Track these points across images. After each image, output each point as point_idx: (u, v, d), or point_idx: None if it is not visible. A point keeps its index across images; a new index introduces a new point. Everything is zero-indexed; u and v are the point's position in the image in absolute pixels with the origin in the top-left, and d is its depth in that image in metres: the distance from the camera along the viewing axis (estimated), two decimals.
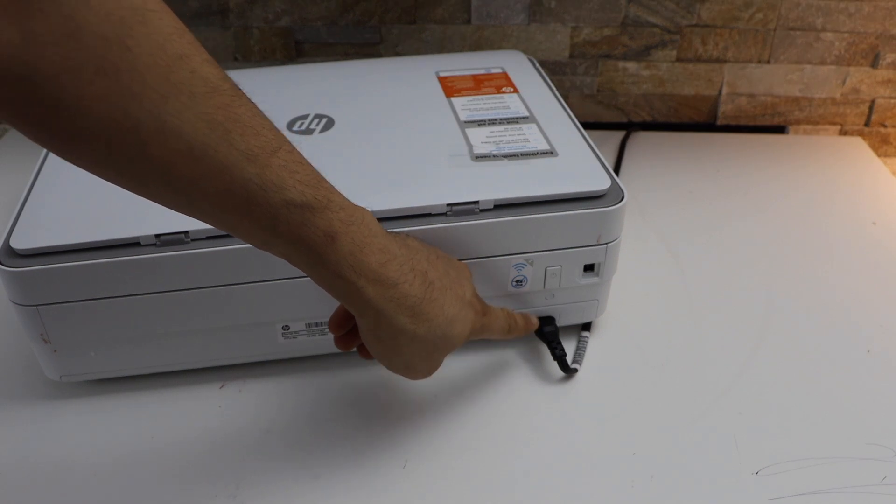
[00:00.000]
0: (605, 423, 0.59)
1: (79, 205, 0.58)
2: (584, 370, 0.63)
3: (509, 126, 0.65)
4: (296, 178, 0.41)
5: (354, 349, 0.54)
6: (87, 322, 0.57)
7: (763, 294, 0.71)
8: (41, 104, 0.34)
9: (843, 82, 0.94)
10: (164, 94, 0.36)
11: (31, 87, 0.33)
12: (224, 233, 0.55)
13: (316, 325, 0.61)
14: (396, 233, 0.50)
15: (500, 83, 0.72)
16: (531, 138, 0.64)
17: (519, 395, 0.62)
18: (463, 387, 0.62)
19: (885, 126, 0.97)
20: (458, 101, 0.69)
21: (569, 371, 0.62)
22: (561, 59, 0.94)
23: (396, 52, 0.94)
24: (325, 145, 0.63)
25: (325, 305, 0.59)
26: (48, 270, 0.54)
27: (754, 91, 0.95)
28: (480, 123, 0.66)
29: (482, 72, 0.75)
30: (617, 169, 0.89)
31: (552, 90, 0.72)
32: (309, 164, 0.42)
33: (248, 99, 0.40)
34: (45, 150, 0.65)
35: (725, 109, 0.97)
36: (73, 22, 0.33)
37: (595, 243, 0.60)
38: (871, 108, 0.96)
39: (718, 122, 0.98)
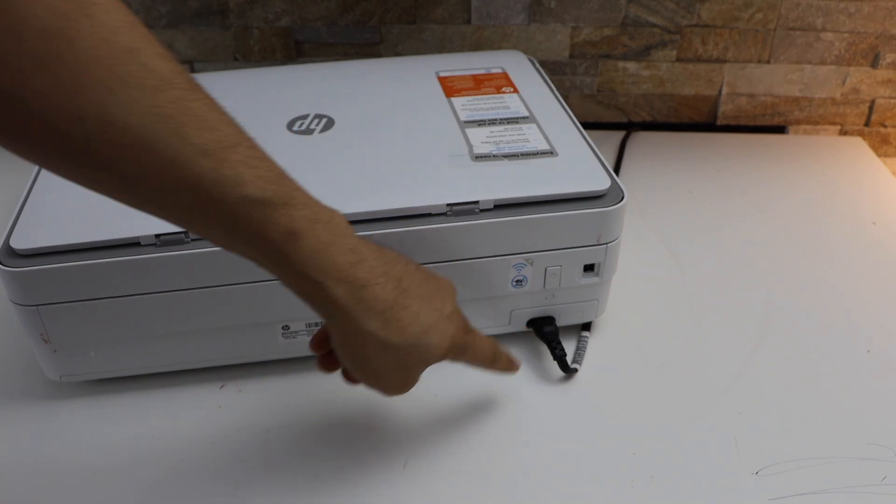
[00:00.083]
0: (605, 423, 0.59)
1: (79, 205, 0.58)
2: (584, 370, 0.63)
3: (509, 126, 0.65)
4: (255, 174, 0.40)
5: (339, 372, 0.52)
6: (87, 322, 0.57)
7: (763, 294, 0.71)
8: None
9: (843, 82, 0.94)
10: (110, 86, 0.35)
11: None
12: None
13: (316, 325, 0.61)
14: (380, 243, 0.48)
15: (500, 83, 0.72)
16: (531, 138, 0.64)
17: (519, 395, 0.62)
18: (463, 387, 0.62)
19: (885, 126, 0.97)
20: (458, 101, 0.69)
21: (569, 371, 0.62)
22: (561, 59, 0.94)
23: (396, 52, 0.94)
24: (325, 145, 0.63)
25: None
26: (48, 270, 0.54)
27: (754, 91, 0.95)
28: (480, 123, 0.66)
29: (482, 72, 0.75)
30: (617, 169, 0.89)
31: (552, 90, 0.72)
32: (272, 161, 0.42)
33: (207, 94, 0.39)
34: None
35: (725, 109, 0.97)
36: (13, 15, 0.33)
37: (595, 243, 0.60)
38: (871, 108, 0.96)
39: (718, 122, 0.98)
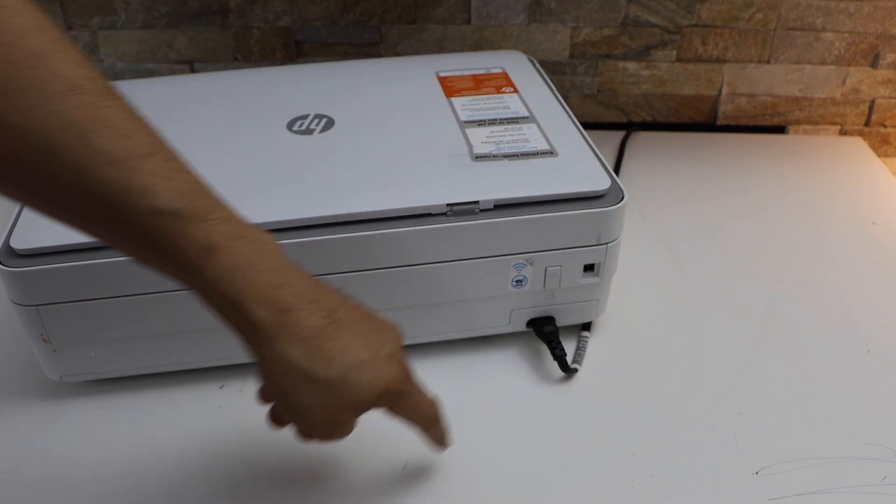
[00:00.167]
0: (605, 423, 0.59)
1: None
2: (584, 370, 0.63)
3: (509, 126, 0.65)
4: (169, 186, 0.38)
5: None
6: (87, 322, 0.57)
7: (763, 294, 0.71)
8: None
9: (843, 82, 0.94)
10: (10, 90, 0.35)
11: None
12: None
13: None
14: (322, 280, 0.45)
15: (500, 83, 0.72)
16: (531, 138, 0.64)
17: (519, 395, 0.62)
18: (463, 387, 0.62)
19: (885, 126, 0.97)
20: (458, 101, 0.69)
21: (569, 371, 0.62)
22: (561, 59, 0.94)
23: (396, 52, 0.94)
24: (325, 145, 0.63)
25: None
26: (48, 270, 0.54)
27: (754, 91, 0.95)
28: (480, 123, 0.66)
29: (482, 72, 0.75)
30: (617, 169, 0.89)
31: (552, 90, 0.72)
32: (192, 175, 0.40)
33: (122, 101, 0.38)
34: None
35: (725, 109, 0.97)
36: None
37: (595, 243, 0.60)
38: (871, 108, 0.96)
39: (718, 122, 0.98)
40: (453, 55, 0.83)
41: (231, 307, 0.41)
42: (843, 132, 0.98)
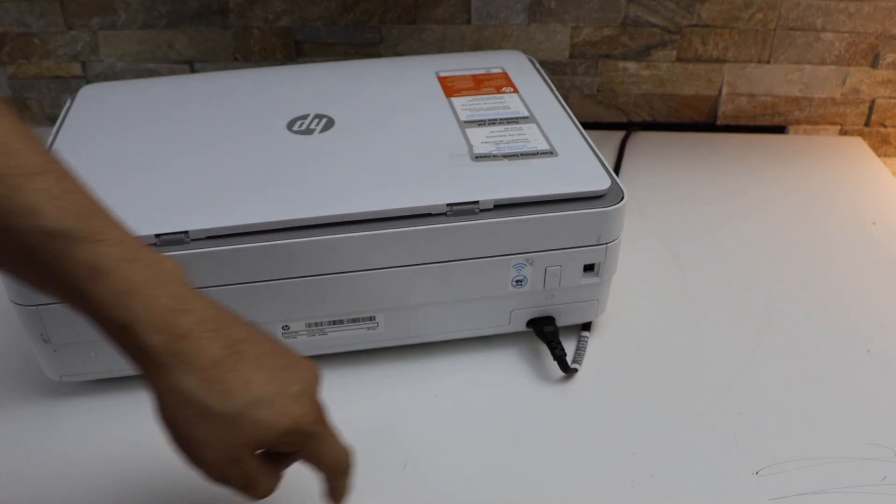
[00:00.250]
0: (605, 423, 0.59)
1: None
2: (584, 370, 0.63)
3: (509, 126, 0.65)
4: (56, 205, 0.37)
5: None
6: (87, 322, 0.56)
7: (763, 294, 0.71)
8: None
9: (843, 82, 0.94)
10: None
11: None
12: (224, 233, 0.55)
13: (316, 325, 0.61)
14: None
15: (500, 83, 0.72)
16: (531, 138, 0.64)
17: (519, 395, 0.62)
18: (463, 387, 0.62)
19: (885, 126, 0.97)
20: (458, 101, 0.69)
21: (569, 371, 0.62)
22: (561, 59, 0.94)
23: (396, 52, 0.94)
24: (325, 145, 0.63)
25: (325, 305, 0.60)
26: None
27: (754, 91, 0.95)
28: (480, 123, 0.66)
29: (482, 72, 0.75)
30: (617, 169, 0.89)
31: (552, 90, 0.72)
32: (86, 195, 0.39)
33: (12, 119, 0.37)
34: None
35: (725, 109, 0.97)
36: None
37: (595, 243, 0.60)
38: (871, 108, 0.96)
39: (718, 122, 0.98)
40: (453, 55, 0.83)
41: (122, 332, 0.39)
42: (843, 132, 0.98)
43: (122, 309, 0.38)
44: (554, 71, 0.94)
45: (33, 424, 0.60)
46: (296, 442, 0.42)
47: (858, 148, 0.94)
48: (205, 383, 0.39)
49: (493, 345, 0.65)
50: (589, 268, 0.61)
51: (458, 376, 0.63)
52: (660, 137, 0.96)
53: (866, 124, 0.97)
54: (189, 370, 0.39)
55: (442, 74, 0.74)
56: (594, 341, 0.66)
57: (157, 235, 0.54)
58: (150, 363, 0.39)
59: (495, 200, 0.58)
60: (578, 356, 0.64)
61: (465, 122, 0.66)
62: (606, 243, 0.60)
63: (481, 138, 0.64)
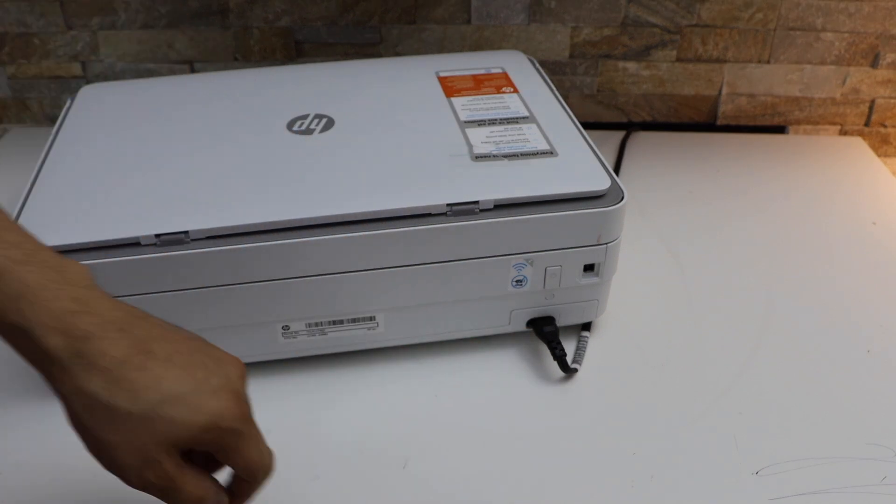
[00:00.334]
0: (605, 423, 0.59)
1: (79, 205, 0.58)
2: (584, 370, 0.63)
3: (509, 126, 0.65)
4: None
5: None
6: None
7: (763, 294, 0.71)
8: None
9: (843, 82, 0.94)
10: None
11: None
12: (224, 233, 0.55)
13: (316, 325, 0.61)
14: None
15: (500, 83, 0.72)
16: (531, 138, 0.64)
17: (519, 395, 0.62)
18: (463, 387, 0.62)
19: (885, 126, 0.97)
20: (458, 101, 0.69)
21: (569, 371, 0.62)
22: (561, 59, 0.94)
23: (396, 52, 0.94)
24: (325, 145, 0.63)
25: (325, 305, 0.60)
26: None
27: (754, 91, 0.95)
28: (480, 123, 0.66)
29: (482, 72, 0.75)
30: (617, 169, 0.89)
31: (552, 90, 0.72)
32: None
33: None
34: (45, 150, 0.65)
35: (725, 109, 0.97)
36: None
37: (595, 243, 0.60)
38: (871, 108, 0.96)
39: (718, 122, 0.98)
40: (453, 55, 0.83)
41: (20, 336, 0.38)
42: (843, 132, 0.98)
43: (16, 313, 0.37)
44: (554, 71, 0.94)
45: (33, 424, 0.60)
46: (215, 439, 0.40)
47: (858, 148, 0.94)
48: (110, 383, 0.38)
49: (493, 345, 0.65)
50: (589, 268, 0.61)
51: (458, 376, 0.63)
52: (660, 137, 0.96)
53: (866, 124, 0.97)
54: (92, 371, 0.38)
55: (442, 74, 0.74)
56: (594, 341, 0.66)
57: (157, 235, 0.54)
58: (53, 367, 0.38)
59: (495, 200, 0.58)
60: (578, 356, 0.64)
61: (465, 122, 0.66)
62: (606, 243, 0.60)
63: (481, 138, 0.64)
